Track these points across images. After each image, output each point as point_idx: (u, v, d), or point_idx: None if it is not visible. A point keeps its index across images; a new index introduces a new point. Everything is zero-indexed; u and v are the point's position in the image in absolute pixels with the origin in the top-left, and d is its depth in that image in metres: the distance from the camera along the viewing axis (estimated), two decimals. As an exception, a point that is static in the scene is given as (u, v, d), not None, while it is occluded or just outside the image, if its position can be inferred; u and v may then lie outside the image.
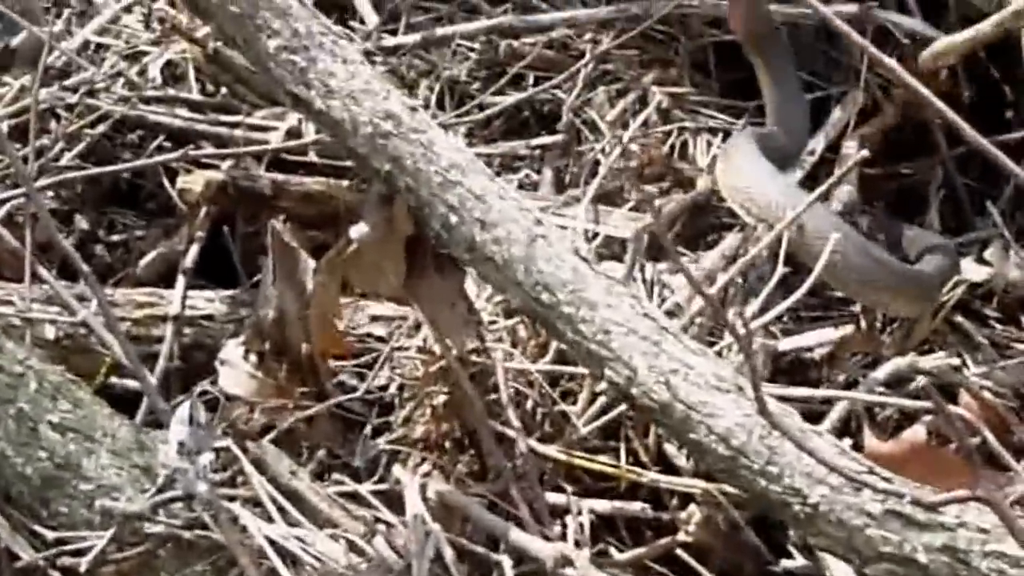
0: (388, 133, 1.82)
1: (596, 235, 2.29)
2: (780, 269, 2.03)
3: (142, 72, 2.49)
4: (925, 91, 1.40)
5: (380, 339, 2.10)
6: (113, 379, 2.14)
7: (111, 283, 2.39)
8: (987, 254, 2.38)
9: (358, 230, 1.85)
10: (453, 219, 1.78)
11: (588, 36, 2.76)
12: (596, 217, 2.37)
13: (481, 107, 2.66)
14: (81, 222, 2.46)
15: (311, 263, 1.98)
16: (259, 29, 1.87)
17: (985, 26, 2.47)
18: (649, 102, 2.60)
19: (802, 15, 2.75)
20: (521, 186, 2.56)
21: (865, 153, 2.38)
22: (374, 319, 2.15)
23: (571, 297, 1.70)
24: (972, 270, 2.32)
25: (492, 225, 1.76)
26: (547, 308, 1.72)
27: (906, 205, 2.68)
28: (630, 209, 2.38)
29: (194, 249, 2.24)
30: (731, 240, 2.33)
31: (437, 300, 1.87)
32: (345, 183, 2.46)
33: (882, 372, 2.12)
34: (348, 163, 2.50)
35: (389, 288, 1.90)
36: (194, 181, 2.25)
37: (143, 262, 2.43)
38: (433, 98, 2.71)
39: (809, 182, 2.45)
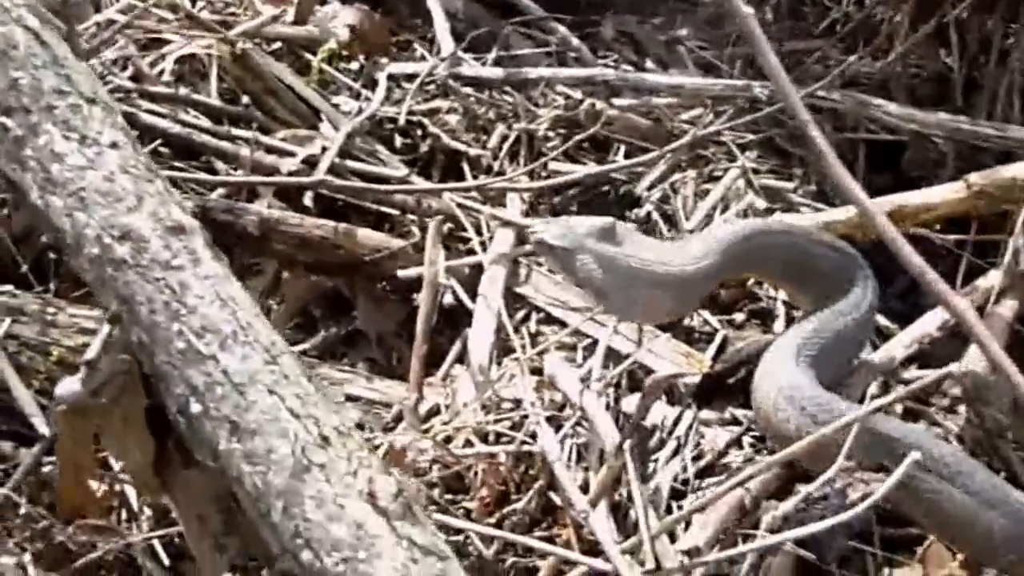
0: (122, 261, 1.25)
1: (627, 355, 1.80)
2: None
3: (155, 63, 2.13)
4: None
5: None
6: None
7: (78, 294, 2.04)
8: None
9: (66, 388, 1.30)
10: (195, 407, 1.21)
11: (696, 111, 2.28)
12: (639, 338, 1.88)
13: (550, 172, 2.21)
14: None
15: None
16: None
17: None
18: (743, 198, 2.09)
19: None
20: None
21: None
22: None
23: (343, 568, 1.11)
24: None
25: (248, 432, 1.18)
26: (309, 574, 1.13)
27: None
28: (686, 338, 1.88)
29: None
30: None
31: (186, 501, 1.32)
32: (360, 230, 2.06)
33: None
34: (375, 206, 2.16)
35: (136, 466, 1.36)
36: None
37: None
38: (505, 149, 2.27)
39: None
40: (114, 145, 1.30)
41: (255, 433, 1.18)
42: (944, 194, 1.88)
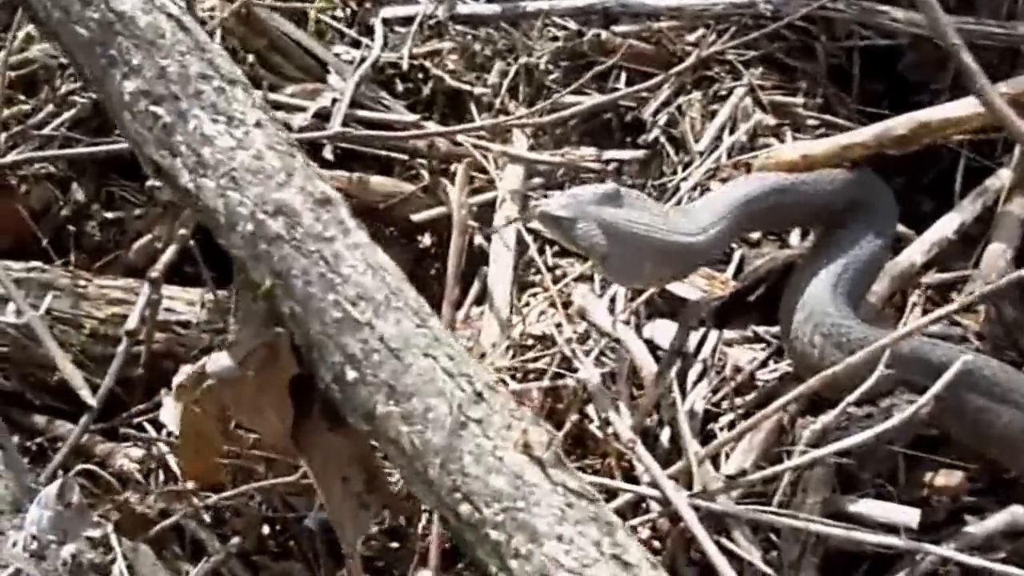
0: (276, 237, 1.28)
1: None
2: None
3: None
4: None
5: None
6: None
7: (99, 265, 2.09)
8: None
9: (216, 363, 1.37)
10: (350, 374, 1.25)
11: (699, 33, 2.26)
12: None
13: (556, 106, 2.19)
14: (77, 192, 2.15)
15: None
16: (112, 63, 1.33)
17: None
18: (751, 116, 2.09)
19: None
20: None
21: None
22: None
23: (503, 518, 1.16)
24: None
25: (405, 395, 1.22)
26: (466, 526, 1.18)
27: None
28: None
29: (171, 250, 1.86)
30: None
31: (327, 464, 1.38)
32: (373, 178, 2.08)
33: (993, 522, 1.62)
34: (386, 152, 2.16)
35: (272, 432, 1.42)
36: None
37: (136, 245, 2.11)
38: (505, 85, 2.26)
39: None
40: (258, 124, 1.33)
41: (411, 395, 1.22)
42: (970, 107, 1.80)
